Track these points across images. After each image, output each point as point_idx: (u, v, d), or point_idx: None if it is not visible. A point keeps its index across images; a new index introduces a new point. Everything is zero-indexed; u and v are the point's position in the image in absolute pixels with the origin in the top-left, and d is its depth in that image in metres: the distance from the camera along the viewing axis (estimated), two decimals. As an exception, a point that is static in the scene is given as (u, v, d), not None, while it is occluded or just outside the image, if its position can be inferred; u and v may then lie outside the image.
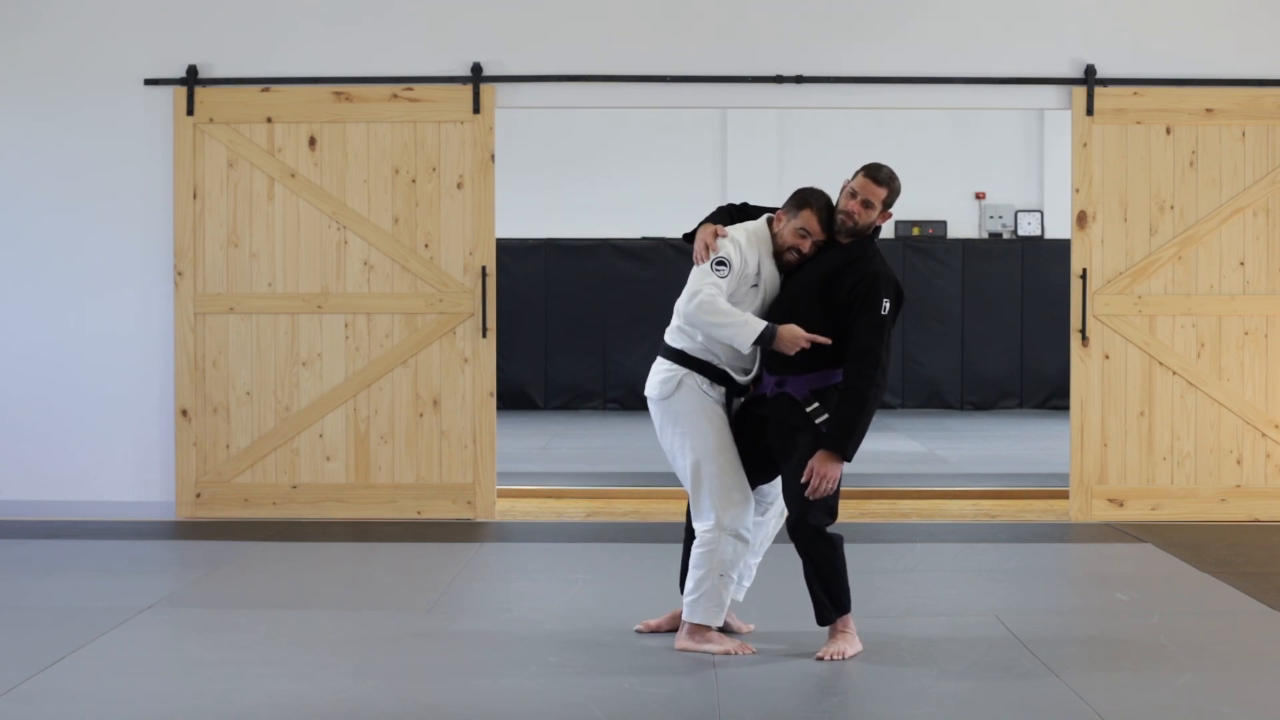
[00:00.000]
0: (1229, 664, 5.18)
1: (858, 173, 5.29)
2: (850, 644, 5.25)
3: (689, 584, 5.34)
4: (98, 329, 8.56)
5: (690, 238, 5.40)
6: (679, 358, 5.32)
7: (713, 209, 5.56)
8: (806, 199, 5.30)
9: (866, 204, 5.22)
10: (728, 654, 5.25)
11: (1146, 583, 6.63)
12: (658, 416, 5.39)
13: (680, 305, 5.28)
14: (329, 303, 8.49)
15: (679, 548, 5.64)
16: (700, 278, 5.21)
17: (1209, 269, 8.47)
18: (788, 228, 5.28)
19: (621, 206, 17.54)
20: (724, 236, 5.26)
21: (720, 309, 5.14)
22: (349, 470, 8.51)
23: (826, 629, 5.30)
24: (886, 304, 5.12)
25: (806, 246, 5.26)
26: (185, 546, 7.64)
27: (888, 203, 5.25)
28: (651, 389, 5.39)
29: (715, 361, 5.29)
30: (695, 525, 5.35)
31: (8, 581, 6.65)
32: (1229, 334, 8.48)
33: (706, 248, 5.23)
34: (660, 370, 5.38)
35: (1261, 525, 8.31)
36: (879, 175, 5.25)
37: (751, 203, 5.60)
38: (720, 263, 5.19)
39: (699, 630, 5.31)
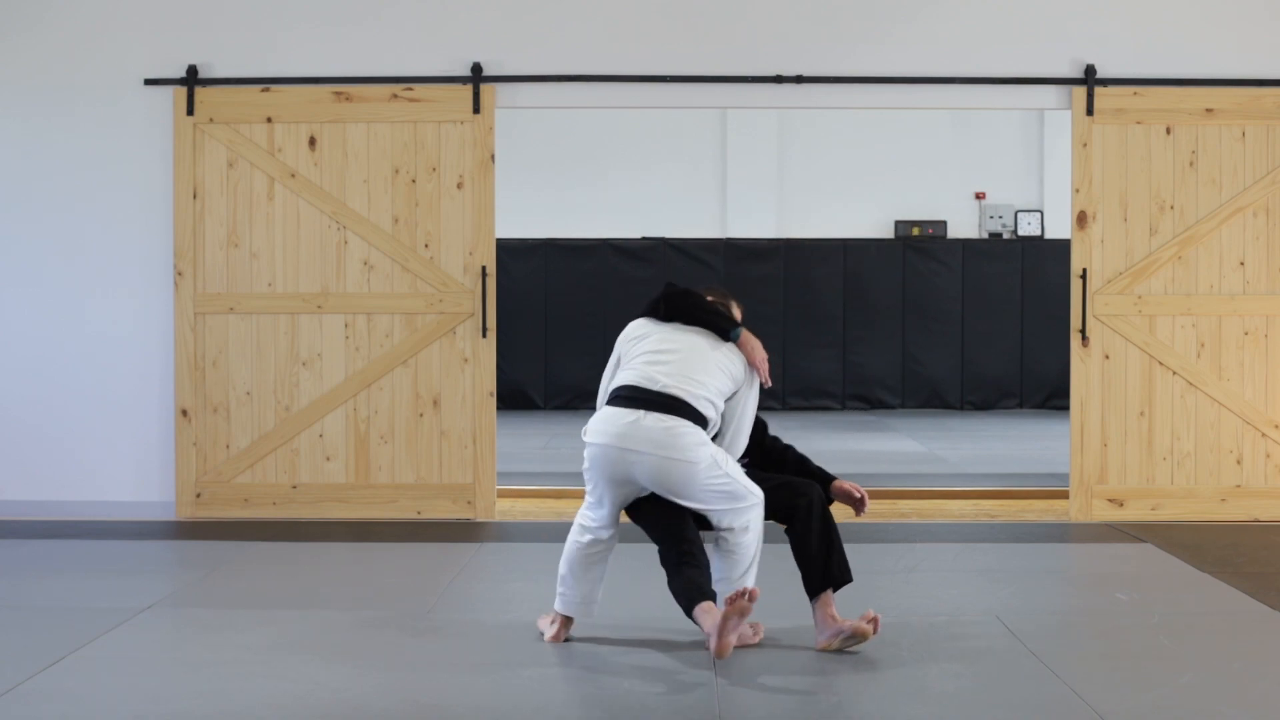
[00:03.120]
0: (1229, 664, 5.18)
1: (733, 300, 5.74)
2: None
3: (747, 576, 5.36)
4: (97, 329, 8.56)
5: (676, 312, 5.57)
6: (705, 426, 5.36)
7: (656, 298, 5.65)
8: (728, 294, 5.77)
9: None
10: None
11: (1146, 583, 6.63)
12: (687, 475, 5.26)
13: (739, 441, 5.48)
14: (329, 303, 8.49)
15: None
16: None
17: (1209, 269, 8.47)
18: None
19: (621, 206, 17.55)
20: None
21: None
22: (349, 470, 8.51)
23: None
24: None
25: None
26: (185, 546, 7.63)
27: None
28: (688, 450, 5.25)
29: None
30: (737, 524, 5.33)
31: (8, 581, 6.65)
32: (1229, 334, 8.48)
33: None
34: (694, 435, 5.28)
35: (1261, 525, 8.31)
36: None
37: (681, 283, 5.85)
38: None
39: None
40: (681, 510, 5.37)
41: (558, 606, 5.49)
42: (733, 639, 5.01)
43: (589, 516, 5.47)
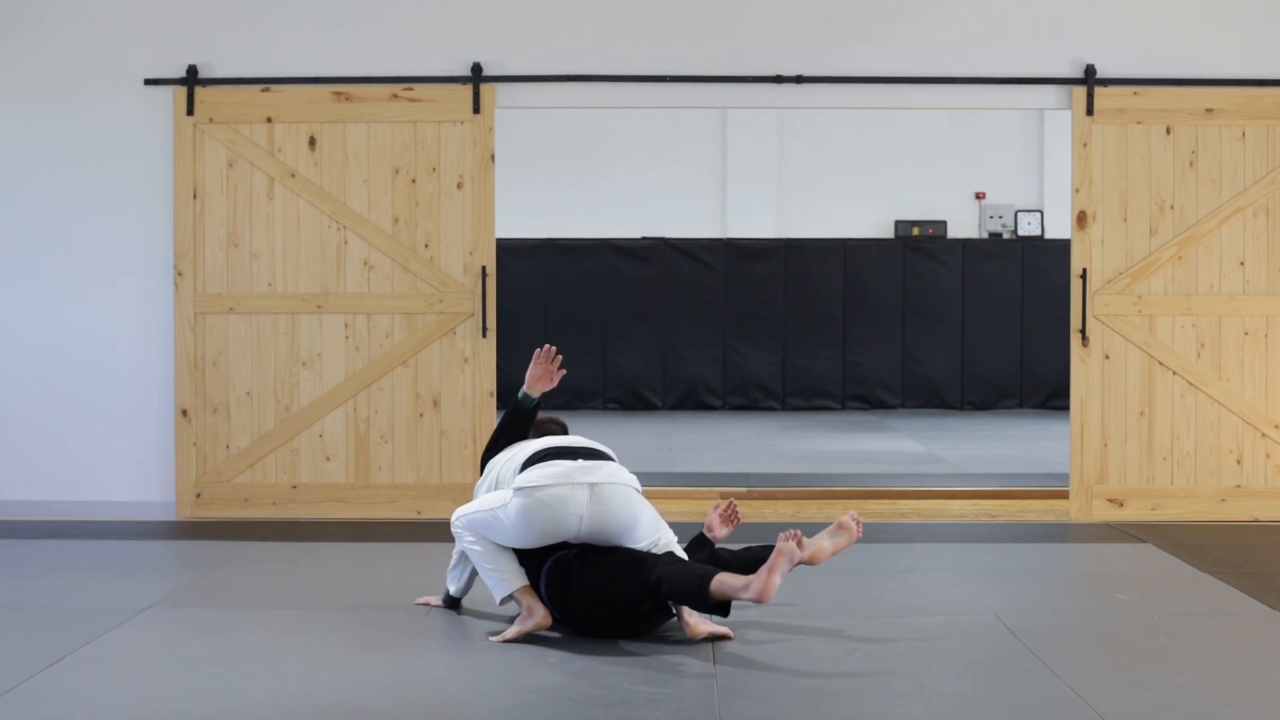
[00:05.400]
0: (1229, 664, 5.19)
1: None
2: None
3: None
4: (97, 329, 8.56)
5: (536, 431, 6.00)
6: None
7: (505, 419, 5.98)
8: None
9: None
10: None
11: (1146, 583, 6.63)
12: (638, 502, 5.48)
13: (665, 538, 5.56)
14: (329, 303, 8.49)
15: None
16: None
17: (1209, 269, 8.47)
18: None
19: (621, 206, 17.55)
20: None
21: None
22: (349, 470, 8.51)
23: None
24: None
25: None
26: (185, 546, 7.64)
27: None
28: (633, 480, 5.54)
29: None
30: (664, 535, 5.55)
31: (8, 581, 6.65)
32: (1229, 334, 8.48)
33: None
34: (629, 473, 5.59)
35: (1261, 525, 8.31)
36: None
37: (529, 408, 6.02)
38: None
39: None
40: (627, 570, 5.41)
41: (506, 590, 5.49)
42: (779, 579, 5.06)
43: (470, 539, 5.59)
